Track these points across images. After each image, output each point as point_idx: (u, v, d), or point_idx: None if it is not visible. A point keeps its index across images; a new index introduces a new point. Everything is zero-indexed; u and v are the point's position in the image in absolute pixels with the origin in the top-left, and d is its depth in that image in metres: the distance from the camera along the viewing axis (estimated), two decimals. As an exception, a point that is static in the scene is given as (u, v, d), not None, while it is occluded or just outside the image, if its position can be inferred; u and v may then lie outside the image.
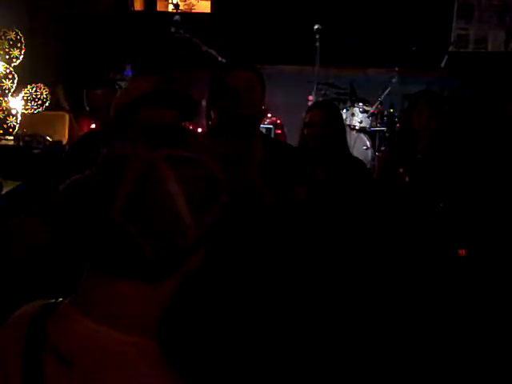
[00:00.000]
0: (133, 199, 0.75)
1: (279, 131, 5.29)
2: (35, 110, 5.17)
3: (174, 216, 0.76)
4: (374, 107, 5.28)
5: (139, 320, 0.81)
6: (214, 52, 4.87)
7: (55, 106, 5.45)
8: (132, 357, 0.77)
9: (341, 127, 3.05)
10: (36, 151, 4.53)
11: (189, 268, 0.82)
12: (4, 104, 4.92)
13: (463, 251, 2.86)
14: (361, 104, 5.33)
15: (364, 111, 5.28)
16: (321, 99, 5.20)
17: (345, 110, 5.21)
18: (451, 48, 5.99)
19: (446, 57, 5.61)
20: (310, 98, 5.36)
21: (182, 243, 0.78)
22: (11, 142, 4.75)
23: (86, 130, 4.84)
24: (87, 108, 2.88)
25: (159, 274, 0.80)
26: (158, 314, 0.83)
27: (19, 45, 5.05)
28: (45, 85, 5.17)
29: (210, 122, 2.13)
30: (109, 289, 0.80)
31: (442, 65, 5.58)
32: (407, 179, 3.16)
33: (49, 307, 0.84)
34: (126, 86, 1.76)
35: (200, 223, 0.79)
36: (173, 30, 4.97)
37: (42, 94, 5.16)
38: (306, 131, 3.00)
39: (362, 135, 5.22)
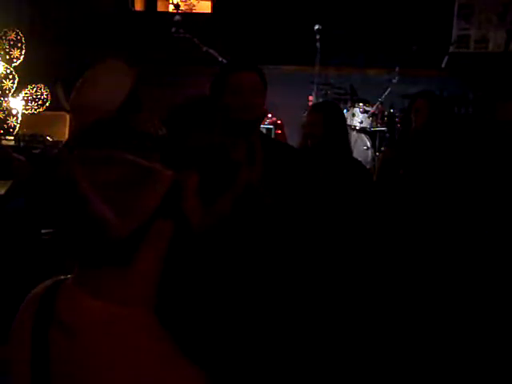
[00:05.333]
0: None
1: (279, 131, 5.30)
2: (35, 110, 5.17)
3: (90, 215, 0.80)
4: (374, 107, 5.28)
5: (128, 295, 0.85)
6: (214, 52, 4.86)
7: (55, 106, 5.44)
8: (124, 328, 0.82)
9: (340, 128, 3.04)
10: (36, 151, 4.53)
11: (157, 247, 0.85)
12: (4, 104, 4.92)
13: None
14: (361, 104, 5.34)
15: (364, 111, 5.29)
16: (321, 99, 5.20)
17: (345, 111, 5.20)
18: (452, 48, 5.98)
19: (447, 57, 5.61)
20: (310, 98, 5.36)
21: (112, 235, 0.81)
22: (11, 142, 4.75)
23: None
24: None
25: (116, 260, 0.84)
26: (147, 288, 0.87)
27: (19, 45, 5.05)
28: (45, 85, 5.17)
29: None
30: (95, 273, 0.86)
31: (443, 65, 5.58)
32: (406, 179, 3.17)
33: (58, 283, 0.91)
34: None
35: (129, 212, 0.81)
36: (173, 30, 4.98)
37: (42, 94, 5.16)
38: (304, 131, 3.02)
39: (363, 135, 5.22)
